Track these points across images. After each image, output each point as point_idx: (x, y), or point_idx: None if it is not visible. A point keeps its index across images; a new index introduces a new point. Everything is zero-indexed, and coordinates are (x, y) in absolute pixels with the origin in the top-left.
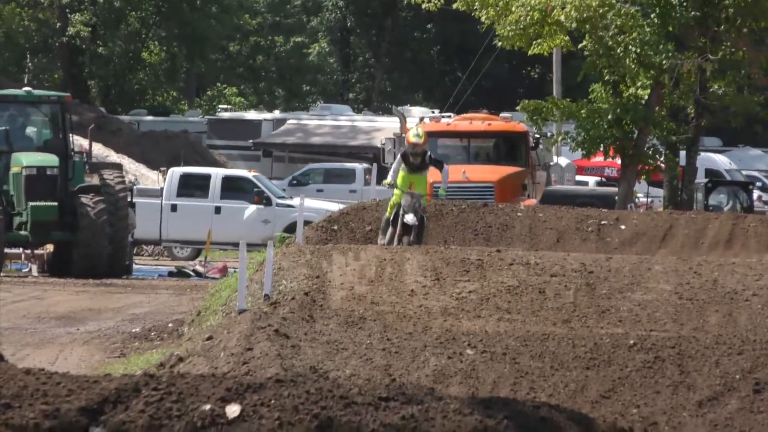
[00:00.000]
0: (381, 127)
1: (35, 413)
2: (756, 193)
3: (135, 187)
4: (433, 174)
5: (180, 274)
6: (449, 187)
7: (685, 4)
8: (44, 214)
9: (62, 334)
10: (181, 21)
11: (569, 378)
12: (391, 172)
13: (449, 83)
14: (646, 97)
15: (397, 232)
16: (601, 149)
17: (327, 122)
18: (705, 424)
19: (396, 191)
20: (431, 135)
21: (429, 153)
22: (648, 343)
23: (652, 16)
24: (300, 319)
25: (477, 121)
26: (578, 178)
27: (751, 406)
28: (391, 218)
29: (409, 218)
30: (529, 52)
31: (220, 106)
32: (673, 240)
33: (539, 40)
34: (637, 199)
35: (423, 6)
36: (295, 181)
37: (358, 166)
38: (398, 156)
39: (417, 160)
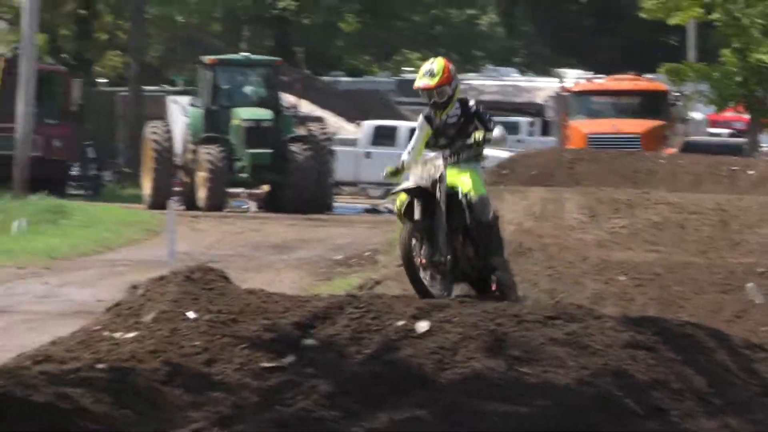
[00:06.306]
0: (542, 87)
1: (257, 326)
2: None
3: (335, 137)
4: (588, 126)
5: (374, 211)
6: (599, 138)
7: None
8: (260, 160)
9: (276, 261)
10: None
11: (707, 300)
12: (408, 150)
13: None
14: None
15: (404, 230)
16: (731, 105)
17: (494, 82)
18: None
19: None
20: (586, 93)
21: (472, 102)
22: None
23: None
24: None
25: (625, 82)
26: (710, 130)
27: None
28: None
29: (413, 181)
30: (668, 22)
31: (405, 68)
32: None
33: (678, 12)
34: (761, 148)
35: None
36: None
37: (522, 120)
38: (419, 121)
39: (443, 116)
